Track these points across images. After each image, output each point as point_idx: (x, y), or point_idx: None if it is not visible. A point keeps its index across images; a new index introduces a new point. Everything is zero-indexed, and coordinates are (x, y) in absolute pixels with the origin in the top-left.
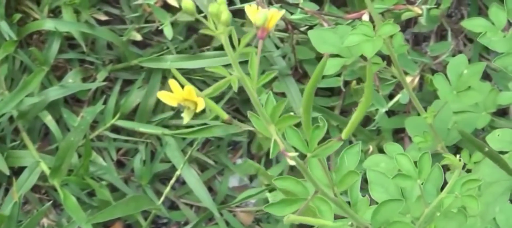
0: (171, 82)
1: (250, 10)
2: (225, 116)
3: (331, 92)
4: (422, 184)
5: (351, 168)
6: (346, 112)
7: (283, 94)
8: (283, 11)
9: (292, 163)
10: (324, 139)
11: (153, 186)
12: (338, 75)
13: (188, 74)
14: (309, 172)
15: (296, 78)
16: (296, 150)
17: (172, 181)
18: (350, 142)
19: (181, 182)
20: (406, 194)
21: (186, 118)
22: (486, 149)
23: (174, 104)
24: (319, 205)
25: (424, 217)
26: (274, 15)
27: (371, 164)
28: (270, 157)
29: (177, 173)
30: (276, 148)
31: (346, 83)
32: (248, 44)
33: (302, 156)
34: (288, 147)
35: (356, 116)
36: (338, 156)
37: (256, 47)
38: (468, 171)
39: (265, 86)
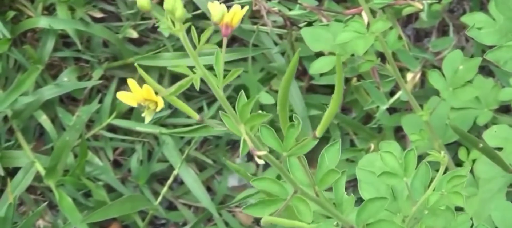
0: (130, 82)
1: (213, 7)
2: (196, 116)
3: (331, 89)
4: (410, 182)
5: (332, 166)
6: (346, 110)
7: None
8: (246, 8)
9: (260, 162)
10: (324, 138)
11: (150, 186)
12: None
13: (181, 76)
14: (285, 171)
15: (295, 76)
16: (272, 150)
17: (169, 181)
18: (351, 141)
19: (179, 181)
20: (397, 193)
21: (147, 117)
22: (481, 145)
23: (134, 104)
24: (298, 205)
25: (411, 215)
26: (237, 12)
27: (367, 163)
28: (240, 156)
29: (175, 172)
30: (246, 147)
31: (347, 80)
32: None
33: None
34: (261, 146)
35: (329, 112)
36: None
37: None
38: None
39: (264, 84)
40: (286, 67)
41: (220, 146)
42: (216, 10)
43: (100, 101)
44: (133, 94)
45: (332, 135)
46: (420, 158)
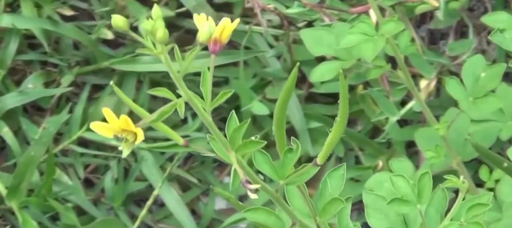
0: (105, 111)
1: (199, 20)
2: (181, 141)
3: (334, 98)
4: (424, 209)
5: (335, 194)
6: (351, 122)
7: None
8: (237, 21)
9: (253, 196)
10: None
11: (126, 209)
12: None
13: (168, 78)
14: (283, 202)
15: None
16: (266, 178)
17: (149, 203)
18: (356, 157)
19: (160, 203)
20: (409, 221)
21: (125, 151)
22: (505, 165)
23: (109, 136)
24: None
25: None
26: (226, 26)
27: (374, 184)
28: (230, 189)
29: (155, 193)
30: (237, 178)
31: (351, 88)
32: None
33: None
34: (254, 174)
35: (332, 137)
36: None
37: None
38: (490, 190)
39: (257, 92)
40: (282, 73)
41: (206, 163)
42: (202, 28)
43: (70, 111)
44: (108, 125)
45: (335, 151)
46: (436, 178)
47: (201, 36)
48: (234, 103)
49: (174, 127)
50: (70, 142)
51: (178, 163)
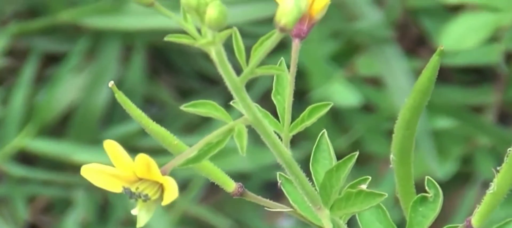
0: (109, 145)
1: None
2: (232, 186)
3: (480, 76)
4: None
5: None
6: (509, 115)
7: (375, 82)
8: None
9: None
10: (462, 175)
11: None
12: (493, 41)
13: (180, 46)
14: None
15: (404, 47)
16: None
17: None
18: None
19: None
20: None
21: (141, 217)
22: None
23: (115, 189)
24: None
25: None
26: None
27: None
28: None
29: None
30: None
31: (509, 57)
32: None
33: None
34: None
35: (500, 183)
36: None
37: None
38: None
39: (340, 63)
40: (384, 31)
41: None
42: (285, 3)
43: (3, 102)
44: (114, 170)
45: (479, 171)
46: None
47: (283, 18)
48: (298, 83)
49: (193, 127)
50: (4, 158)
51: (197, 194)
